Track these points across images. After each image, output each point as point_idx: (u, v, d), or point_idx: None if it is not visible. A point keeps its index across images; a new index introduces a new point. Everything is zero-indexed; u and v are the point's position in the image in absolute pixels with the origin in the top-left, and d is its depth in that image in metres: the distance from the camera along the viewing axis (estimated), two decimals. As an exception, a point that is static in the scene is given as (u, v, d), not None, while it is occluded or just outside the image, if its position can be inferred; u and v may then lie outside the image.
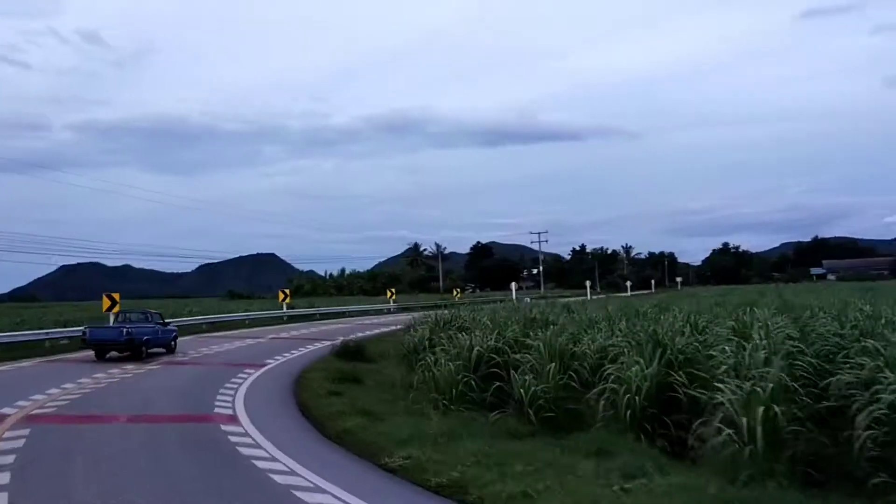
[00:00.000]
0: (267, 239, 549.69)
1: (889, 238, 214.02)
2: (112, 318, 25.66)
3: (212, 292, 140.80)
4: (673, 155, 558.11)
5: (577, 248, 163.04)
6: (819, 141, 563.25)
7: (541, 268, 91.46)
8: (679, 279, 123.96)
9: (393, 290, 55.44)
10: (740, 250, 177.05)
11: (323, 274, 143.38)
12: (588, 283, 68.69)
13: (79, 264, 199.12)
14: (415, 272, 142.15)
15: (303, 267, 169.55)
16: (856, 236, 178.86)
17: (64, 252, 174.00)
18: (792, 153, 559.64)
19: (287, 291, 44.60)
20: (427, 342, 18.43)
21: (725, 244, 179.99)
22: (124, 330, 21.98)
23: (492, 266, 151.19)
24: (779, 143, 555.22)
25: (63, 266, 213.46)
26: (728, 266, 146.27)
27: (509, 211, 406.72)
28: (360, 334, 31.46)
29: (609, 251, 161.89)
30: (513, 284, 55.63)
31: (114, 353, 22.35)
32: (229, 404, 13.82)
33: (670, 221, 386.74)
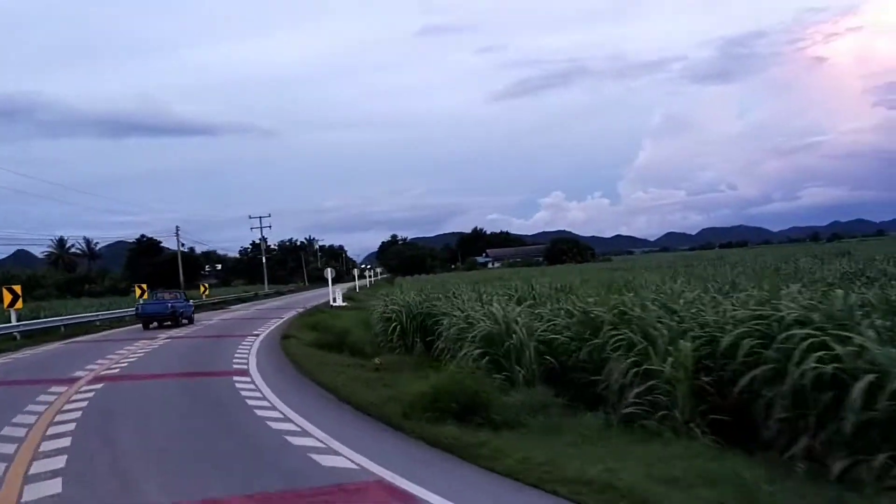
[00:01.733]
0: None
1: (493, 231, 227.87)
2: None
3: None
4: (309, 153, 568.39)
5: (256, 242, 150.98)
6: (435, 147, 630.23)
7: (264, 258, 79.22)
8: (380, 270, 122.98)
9: (145, 286, 39.90)
10: (408, 241, 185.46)
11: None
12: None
13: None
14: (60, 274, 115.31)
15: None
16: (465, 231, 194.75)
17: None
18: (414, 157, 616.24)
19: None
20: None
21: (394, 236, 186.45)
22: (169, 305, 29.43)
23: (161, 263, 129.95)
24: (403, 147, 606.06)
25: None
26: (412, 256, 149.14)
27: (135, 208, 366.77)
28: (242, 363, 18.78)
29: (298, 243, 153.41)
30: (328, 271, 44.91)
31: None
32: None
33: (308, 218, 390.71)
